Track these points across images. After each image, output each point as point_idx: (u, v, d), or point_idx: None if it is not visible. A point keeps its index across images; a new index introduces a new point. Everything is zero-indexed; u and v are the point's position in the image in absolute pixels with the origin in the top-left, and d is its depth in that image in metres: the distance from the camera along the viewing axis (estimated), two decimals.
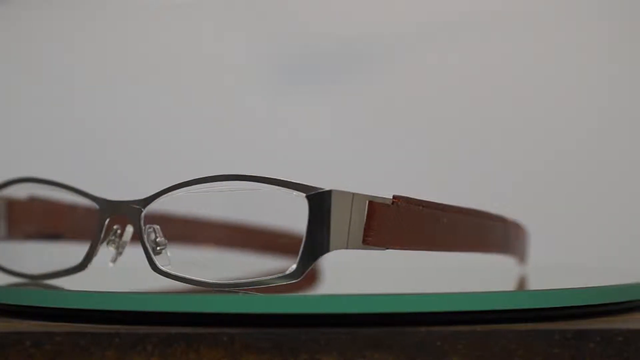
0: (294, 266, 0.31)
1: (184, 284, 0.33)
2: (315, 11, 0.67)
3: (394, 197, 0.32)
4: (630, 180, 0.65)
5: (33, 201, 0.41)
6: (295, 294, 0.31)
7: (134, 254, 0.35)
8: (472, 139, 0.66)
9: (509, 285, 0.40)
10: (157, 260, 0.34)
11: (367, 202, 0.32)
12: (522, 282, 0.41)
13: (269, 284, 0.32)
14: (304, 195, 0.31)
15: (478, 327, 0.30)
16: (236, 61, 0.67)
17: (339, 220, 0.31)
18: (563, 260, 0.47)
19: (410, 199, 0.33)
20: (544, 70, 0.66)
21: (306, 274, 0.31)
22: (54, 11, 0.67)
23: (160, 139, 0.66)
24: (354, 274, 0.48)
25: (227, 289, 0.32)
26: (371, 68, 0.66)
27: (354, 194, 0.32)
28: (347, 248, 0.32)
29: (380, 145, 0.66)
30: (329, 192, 0.31)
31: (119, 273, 0.37)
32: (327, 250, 0.31)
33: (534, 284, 0.42)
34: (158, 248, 0.34)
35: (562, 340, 0.30)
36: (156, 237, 0.34)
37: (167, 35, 0.67)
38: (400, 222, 0.32)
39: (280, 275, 0.32)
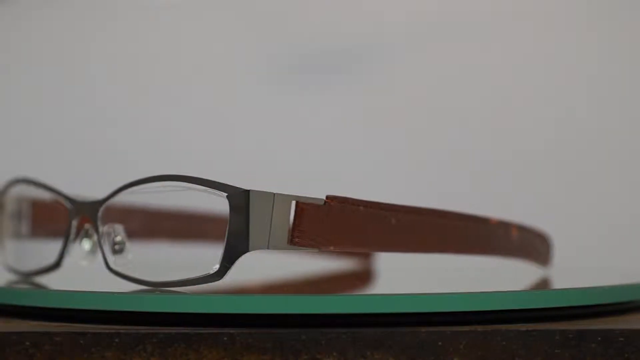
0: (217, 266, 0.32)
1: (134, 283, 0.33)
2: (314, 11, 0.67)
3: (327, 197, 0.32)
4: (629, 180, 0.65)
5: (57, 201, 0.41)
6: (295, 294, 0.31)
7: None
8: (473, 140, 0.66)
9: (511, 286, 0.40)
10: (111, 259, 0.34)
11: (294, 202, 0.31)
12: (524, 283, 0.41)
13: (195, 284, 0.32)
14: (225, 195, 0.31)
15: (479, 327, 0.30)
16: (235, 61, 0.67)
17: (259, 220, 0.31)
18: (563, 260, 0.47)
19: (347, 199, 0.32)
20: (545, 70, 0.66)
21: (227, 273, 0.31)
22: (53, 11, 0.67)
23: (158, 139, 0.66)
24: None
25: (159, 289, 0.33)
26: (371, 68, 0.66)
27: (275, 194, 0.31)
28: (268, 248, 0.32)
29: (379, 145, 0.66)
30: (247, 192, 0.31)
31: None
32: (247, 250, 0.31)
33: (535, 285, 0.42)
34: (116, 247, 0.34)
35: (563, 340, 0.30)
36: (115, 236, 0.34)
37: (167, 36, 0.67)
38: (334, 223, 0.32)
39: (205, 274, 0.32)
